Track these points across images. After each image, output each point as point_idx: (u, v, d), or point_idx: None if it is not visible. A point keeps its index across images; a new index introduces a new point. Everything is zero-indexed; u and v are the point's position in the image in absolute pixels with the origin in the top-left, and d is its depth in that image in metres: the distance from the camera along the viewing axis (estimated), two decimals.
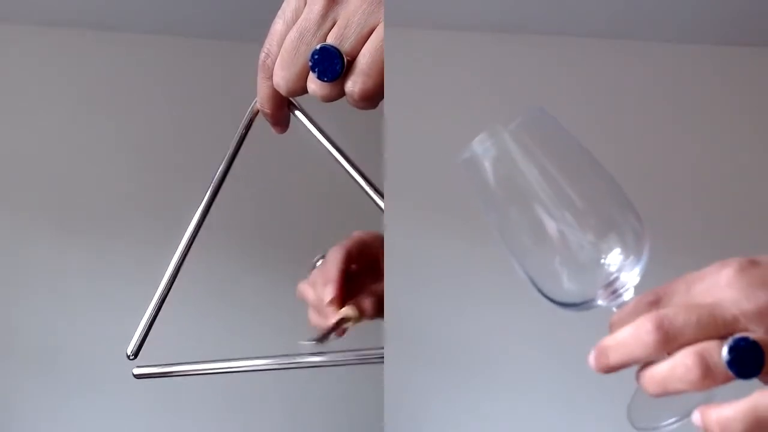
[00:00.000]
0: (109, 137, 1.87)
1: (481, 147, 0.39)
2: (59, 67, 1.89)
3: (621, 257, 0.38)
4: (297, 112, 0.50)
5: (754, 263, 0.35)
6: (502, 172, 0.39)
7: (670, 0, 1.67)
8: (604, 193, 0.39)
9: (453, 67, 1.85)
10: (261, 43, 0.45)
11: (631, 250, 0.38)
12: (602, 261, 0.38)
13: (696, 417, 0.34)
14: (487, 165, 0.39)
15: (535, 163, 0.38)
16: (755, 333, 0.33)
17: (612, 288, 0.38)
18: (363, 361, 0.49)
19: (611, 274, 0.38)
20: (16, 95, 1.83)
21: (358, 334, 0.66)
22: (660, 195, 1.66)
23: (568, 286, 0.39)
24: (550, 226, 0.38)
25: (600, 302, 0.39)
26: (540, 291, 0.39)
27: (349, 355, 0.51)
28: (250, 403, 1.83)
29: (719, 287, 0.34)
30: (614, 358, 0.35)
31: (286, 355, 0.48)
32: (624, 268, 0.38)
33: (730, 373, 0.33)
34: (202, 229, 0.50)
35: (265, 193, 1.90)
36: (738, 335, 0.33)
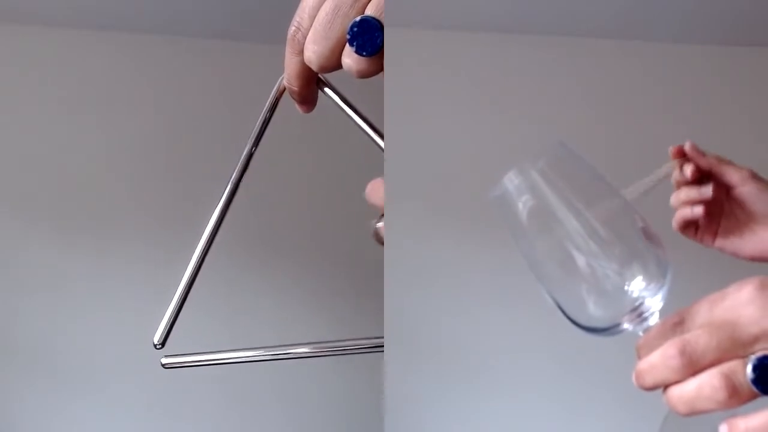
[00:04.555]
0: (110, 137, 1.87)
1: (511, 184, 0.41)
2: (59, 67, 1.90)
3: (644, 284, 0.40)
4: (327, 90, 0.47)
5: None
6: (530, 207, 0.41)
7: (670, 0, 1.67)
8: (627, 223, 0.41)
9: (453, 67, 1.86)
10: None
11: (654, 276, 0.40)
12: (626, 288, 0.40)
13: (724, 429, 0.36)
14: (517, 201, 0.41)
15: (561, 198, 0.40)
16: None
17: (637, 312, 0.40)
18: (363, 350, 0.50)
19: (635, 300, 0.40)
20: (16, 95, 1.84)
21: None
22: (659, 194, 1.65)
23: (595, 313, 0.41)
24: (577, 256, 0.40)
25: (626, 326, 0.41)
26: (568, 317, 0.42)
27: (355, 343, 0.49)
28: (250, 406, 1.84)
29: (740, 305, 0.36)
30: (648, 381, 0.37)
31: (312, 343, 0.48)
32: (647, 295, 0.40)
33: (756, 391, 0.34)
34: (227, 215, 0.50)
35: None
36: (761, 353, 0.34)
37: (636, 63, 1.84)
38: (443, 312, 1.73)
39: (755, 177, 0.73)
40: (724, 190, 0.74)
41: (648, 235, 0.41)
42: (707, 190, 0.72)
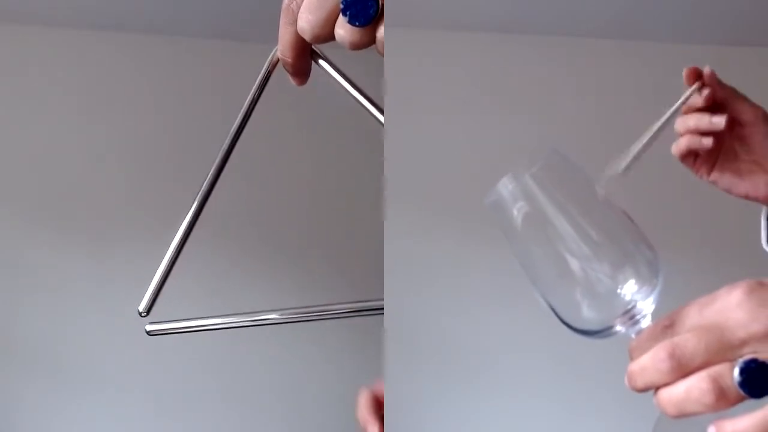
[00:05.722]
0: (110, 137, 1.87)
1: (505, 190, 0.42)
2: (59, 67, 1.89)
3: (636, 287, 0.41)
4: (321, 61, 0.46)
5: (762, 285, 0.36)
6: (524, 212, 0.42)
7: (670, 0, 1.67)
8: (619, 228, 0.42)
9: (453, 67, 1.86)
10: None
11: (645, 280, 0.41)
12: (619, 291, 0.41)
13: (712, 431, 0.36)
14: (511, 206, 0.42)
15: (554, 203, 0.41)
16: (764, 353, 0.35)
17: (629, 315, 0.41)
18: (363, 313, 0.49)
19: (628, 303, 0.41)
20: (16, 95, 1.84)
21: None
22: (659, 194, 1.66)
23: (588, 316, 0.41)
24: (571, 260, 0.41)
25: (618, 329, 0.41)
26: (561, 320, 0.42)
27: (350, 306, 0.48)
28: (249, 406, 1.84)
29: (729, 309, 0.36)
30: (639, 383, 0.38)
31: (294, 308, 0.48)
32: (639, 298, 0.41)
33: (743, 394, 0.35)
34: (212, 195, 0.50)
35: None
36: (748, 357, 0.35)
37: (636, 63, 1.84)
38: (443, 312, 1.73)
39: (767, 119, 0.69)
40: (729, 124, 0.70)
41: (640, 239, 0.41)
42: (720, 121, 0.68)
